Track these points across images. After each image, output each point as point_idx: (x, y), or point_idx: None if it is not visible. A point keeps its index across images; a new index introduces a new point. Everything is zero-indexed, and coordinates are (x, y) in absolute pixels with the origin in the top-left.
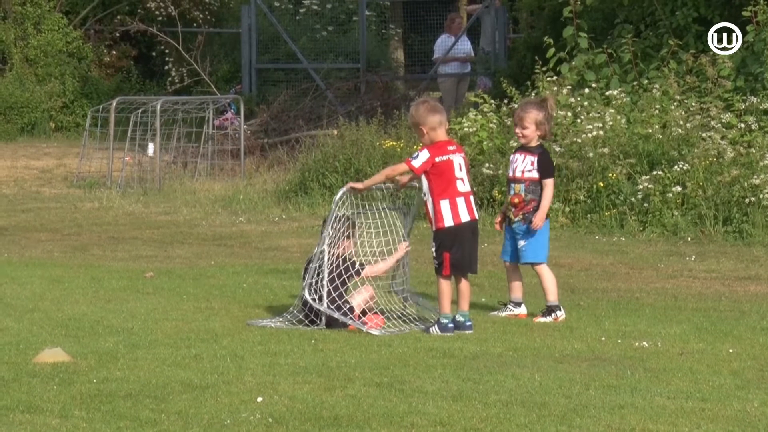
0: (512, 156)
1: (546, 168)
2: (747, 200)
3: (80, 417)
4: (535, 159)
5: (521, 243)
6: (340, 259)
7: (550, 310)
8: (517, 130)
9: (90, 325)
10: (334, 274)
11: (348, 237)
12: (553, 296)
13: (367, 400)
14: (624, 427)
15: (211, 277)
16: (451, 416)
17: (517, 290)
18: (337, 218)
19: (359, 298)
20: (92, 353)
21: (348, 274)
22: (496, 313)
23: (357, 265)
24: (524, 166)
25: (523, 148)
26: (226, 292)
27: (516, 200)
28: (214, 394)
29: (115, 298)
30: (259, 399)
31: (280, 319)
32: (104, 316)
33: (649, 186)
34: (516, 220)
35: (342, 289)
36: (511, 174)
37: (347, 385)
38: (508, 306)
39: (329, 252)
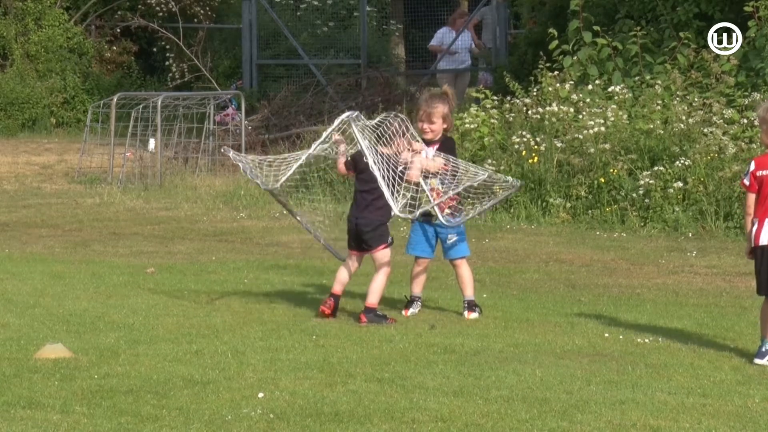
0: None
1: (447, 151)
2: None
3: (81, 412)
4: (436, 147)
5: (452, 238)
6: (393, 160)
7: (473, 304)
8: (425, 126)
9: (91, 321)
10: (392, 171)
11: (402, 135)
12: (472, 291)
13: (368, 396)
14: (625, 422)
15: (212, 273)
16: (452, 412)
17: (420, 285)
18: (391, 118)
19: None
20: (93, 349)
21: (399, 171)
22: (413, 311)
23: (401, 168)
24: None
25: (426, 143)
26: (227, 288)
27: (435, 194)
28: (215, 389)
29: (116, 293)
30: (261, 395)
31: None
32: (105, 312)
33: (651, 182)
34: (444, 214)
35: (398, 187)
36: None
37: (348, 381)
38: (416, 302)
39: (378, 152)
